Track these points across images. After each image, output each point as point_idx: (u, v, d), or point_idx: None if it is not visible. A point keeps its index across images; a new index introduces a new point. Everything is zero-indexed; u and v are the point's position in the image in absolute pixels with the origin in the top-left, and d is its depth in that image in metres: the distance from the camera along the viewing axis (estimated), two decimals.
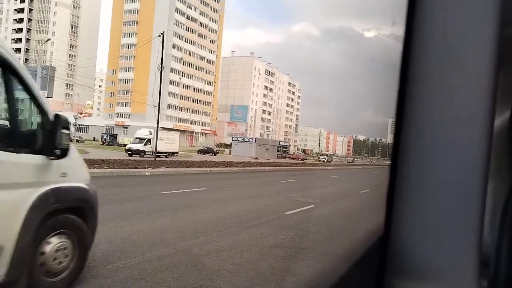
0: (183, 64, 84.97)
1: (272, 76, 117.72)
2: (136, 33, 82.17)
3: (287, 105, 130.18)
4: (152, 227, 6.68)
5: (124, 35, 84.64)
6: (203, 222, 7.49)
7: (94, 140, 66.20)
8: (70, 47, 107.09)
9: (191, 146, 74.19)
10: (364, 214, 9.81)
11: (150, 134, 32.67)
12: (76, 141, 47.59)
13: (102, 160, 20.05)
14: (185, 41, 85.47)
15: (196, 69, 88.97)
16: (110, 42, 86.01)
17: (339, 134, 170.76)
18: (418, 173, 0.93)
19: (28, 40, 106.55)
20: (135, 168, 18.97)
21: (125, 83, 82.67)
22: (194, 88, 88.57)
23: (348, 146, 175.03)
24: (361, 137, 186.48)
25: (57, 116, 3.46)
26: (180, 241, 5.84)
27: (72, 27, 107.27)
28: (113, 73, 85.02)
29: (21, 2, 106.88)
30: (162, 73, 27.07)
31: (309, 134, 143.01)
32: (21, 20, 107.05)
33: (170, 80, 79.56)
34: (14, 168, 3.17)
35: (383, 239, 0.97)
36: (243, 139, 74.18)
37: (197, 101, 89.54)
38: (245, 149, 64.08)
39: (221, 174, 23.20)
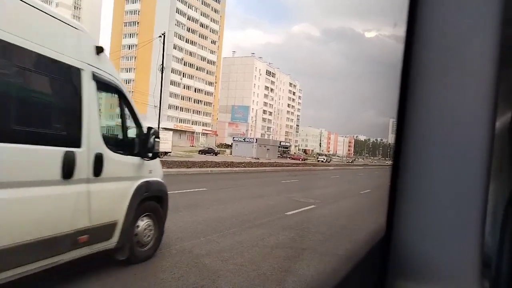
0: (184, 65, 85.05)
1: (273, 76, 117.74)
2: (137, 34, 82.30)
3: (288, 105, 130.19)
4: None
5: (125, 36, 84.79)
6: (203, 222, 7.49)
7: None
8: None
9: (192, 146, 74.25)
10: (365, 215, 9.81)
11: None
12: None
13: None
14: (186, 42, 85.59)
15: (197, 69, 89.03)
16: (111, 43, 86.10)
17: (340, 135, 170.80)
18: (419, 173, 0.93)
19: None
20: None
21: (126, 83, 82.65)
22: (195, 89, 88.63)
23: (349, 146, 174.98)
24: (362, 137, 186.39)
25: (149, 128, 4.78)
26: (181, 241, 5.84)
27: None
28: None
29: None
30: (163, 73, 27.10)
31: (310, 135, 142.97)
32: None
33: (171, 81, 79.68)
34: (123, 166, 4.42)
35: (385, 239, 0.97)
36: (244, 140, 74.22)
37: (198, 101, 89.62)
38: (246, 150, 64.12)
39: (222, 174, 23.20)
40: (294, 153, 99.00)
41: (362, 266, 1.11)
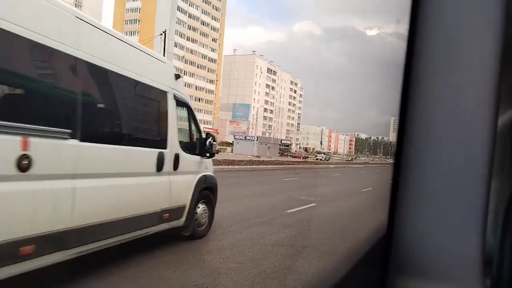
0: (185, 63, 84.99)
1: (274, 74, 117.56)
2: (138, 32, 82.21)
3: (289, 103, 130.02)
4: None
5: (126, 34, 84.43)
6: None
7: None
8: None
9: None
10: (367, 213, 9.80)
11: None
12: None
13: None
14: (187, 40, 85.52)
15: (198, 67, 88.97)
16: None
17: (341, 133, 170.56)
18: (421, 172, 0.93)
19: None
20: None
21: None
22: (196, 87, 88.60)
23: (350, 144, 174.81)
24: (363, 136, 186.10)
25: (207, 134, 6.28)
26: (182, 239, 5.85)
27: None
28: None
29: None
30: None
31: (311, 133, 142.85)
32: None
33: None
34: (190, 163, 5.70)
35: (386, 237, 0.97)
36: (245, 138, 74.20)
37: (199, 99, 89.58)
38: (247, 148, 64.09)
39: (223, 172, 23.19)
40: (295, 151, 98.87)
41: (363, 264, 1.11)
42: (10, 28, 2.89)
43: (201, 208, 5.94)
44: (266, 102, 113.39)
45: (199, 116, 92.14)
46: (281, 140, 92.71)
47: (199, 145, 6.03)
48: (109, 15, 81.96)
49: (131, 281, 4.13)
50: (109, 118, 4.39)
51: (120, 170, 4.20)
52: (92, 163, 3.78)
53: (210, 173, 6.38)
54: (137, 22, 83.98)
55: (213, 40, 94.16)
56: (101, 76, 4.02)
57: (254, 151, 61.22)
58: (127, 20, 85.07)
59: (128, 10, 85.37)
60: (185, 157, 5.45)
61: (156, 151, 4.80)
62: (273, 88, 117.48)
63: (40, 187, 3.18)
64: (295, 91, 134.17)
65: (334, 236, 7.52)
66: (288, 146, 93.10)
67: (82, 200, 3.58)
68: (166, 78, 5.22)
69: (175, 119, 5.26)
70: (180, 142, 5.42)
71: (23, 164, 2.98)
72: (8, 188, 2.93)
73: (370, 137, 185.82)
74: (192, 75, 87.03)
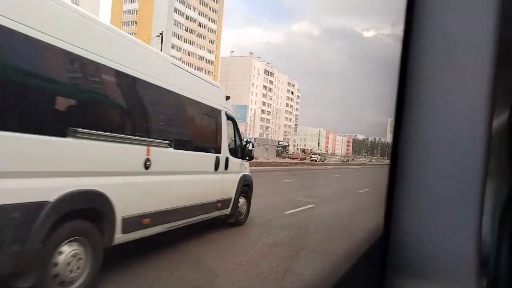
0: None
1: (271, 76, 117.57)
2: (135, 34, 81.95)
3: (287, 104, 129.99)
4: None
5: None
6: (203, 221, 7.48)
7: None
8: None
9: None
10: (364, 213, 9.81)
11: None
12: None
13: None
14: (184, 41, 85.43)
15: (195, 69, 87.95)
16: None
17: (339, 134, 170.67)
18: (417, 172, 0.93)
19: None
20: None
21: None
22: None
23: (348, 145, 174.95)
24: (360, 137, 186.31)
25: (247, 141, 8.02)
26: (180, 240, 5.84)
27: None
28: None
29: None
30: None
31: (308, 134, 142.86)
32: None
33: None
34: (235, 164, 7.20)
35: (383, 238, 0.97)
36: None
37: None
38: None
39: None
40: (293, 152, 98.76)
41: (361, 265, 1.11)
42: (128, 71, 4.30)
43: (242, 201, 7.45)
44: (264, 103, 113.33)
45: None
46: (279, 141, 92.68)
47: (240, 150, 7.58)
48: (106, 16, 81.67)
49: (130, 281, 4.12)
50: (188, 132, 6.00)
51: (194, 169, 5.76)
52: (180, 164, 5.28)
53: (248, 173, 7.87)
54: (134, 24, 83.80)
55: (211, 41, 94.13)
56: (184, 102, 5.62)
57: None
58: (124, 22, 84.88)
59: (126, 12, 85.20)
60: (232, 159, 7.00)
61: (214, 155, 6.40)
62: (270, 89, 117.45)
63: (155, 180, 4.64)
64: (292, 93, 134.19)
65: (332, 237, 7.52)
66: (285, 147, 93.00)
67: (174, 189, 5.04)
68: (220, 100, 6.86)
69: (225, 130, 6.89)
70: (228, 148, 6.95)
71: (147, 164, 4.46)
72: (139, 179, 4.38)
73: (367, 138, 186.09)
74: None
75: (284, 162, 49.79)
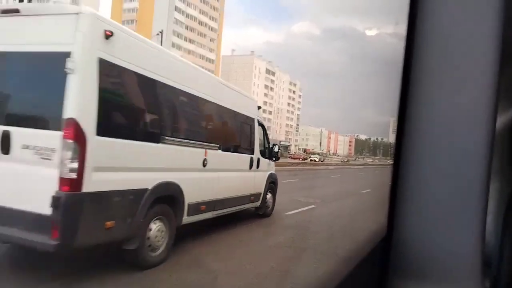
0: None
1: (272, 75, 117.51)
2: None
3: (288, 104, 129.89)
4: None
5: None
6: (203, 221, 7.48)
7: None
8: None
9: None
10: (366, 214, 9.79)
11: None
12: None
13: None
14: (184, 40, 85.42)
15: None
16: None
17: (341, 134, 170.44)
18: (420, 173, 0.92)
19: None
20: None
21: None
22: None
23: (350, 145, 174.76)
24: (362, 137, 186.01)
25: (274, 144, 9.14)
26: (180, 240, 5.83)
27: None
28: None
29: (20, 1, 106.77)
30: None
31: (310, 134, 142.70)
32: None
33: None
34: (264, 164, 8.34)
35: (386, 239, 0.96)
36: None
37: None
38: None
39: None
40: (294, 152, 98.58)
41: (363, 265, 1.10)
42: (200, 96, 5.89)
43: (268, 195, 8.53)
44: (265, 103, 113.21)
45: None
46: (280, 141, 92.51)
47: (268, 151, 8.73)
48: (106, 14, 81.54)
49: (130, 281, 4.12)
50: (232, 137, 7.32)
51: (235, 167, 7.05)
52: (226, 163, 6.52)
53: (274, 172, 9.03)
54: (134, 23, 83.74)
55: (211, 40, 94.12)
56: (229, 113, 7.00)
57: None
58: (124, 21, 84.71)
59: (126, 10, 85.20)
60: (262, 159, 8.20)
61: (249, 156, 7.71)
62: (271, 89, 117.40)
63: (209, 176, 5.89)
64: (294, 92, 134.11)
65: (333, 238, 7.51)
66: (287, 147, 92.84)
67: (221, 183, 6.34)
68: (254, 109, 8.27)
69: (257, 135, 8.18)
70: (259, 150, 8.20)
71: (204, 163, 5.76)
72: (198, 175, 5.64)
73: (369, 138, 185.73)
74: None
75: (285, 162, 49.77)
